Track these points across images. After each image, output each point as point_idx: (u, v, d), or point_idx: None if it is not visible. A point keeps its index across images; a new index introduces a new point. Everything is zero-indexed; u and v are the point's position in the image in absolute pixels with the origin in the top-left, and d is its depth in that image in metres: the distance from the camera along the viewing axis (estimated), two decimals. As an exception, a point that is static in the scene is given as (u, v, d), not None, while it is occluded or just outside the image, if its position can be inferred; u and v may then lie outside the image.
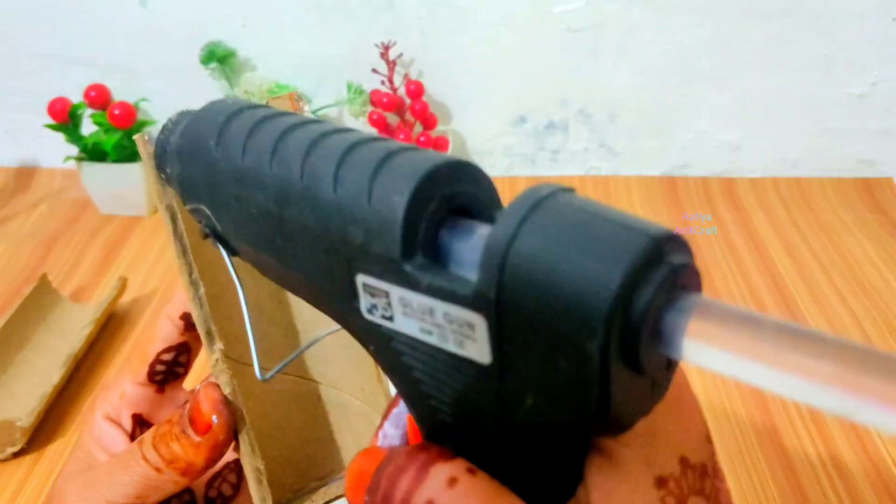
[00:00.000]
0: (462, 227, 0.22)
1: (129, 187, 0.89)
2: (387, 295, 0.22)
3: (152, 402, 0.36)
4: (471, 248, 0.21)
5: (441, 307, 0.21)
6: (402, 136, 0.88)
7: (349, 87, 0.89)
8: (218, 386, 0.32)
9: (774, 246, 0.84)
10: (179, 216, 0.31)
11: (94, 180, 0.89)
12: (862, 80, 0.89)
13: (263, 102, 0.35)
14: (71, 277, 0.82)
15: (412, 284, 0.21)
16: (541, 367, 0.19)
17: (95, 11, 0.90)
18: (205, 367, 0.40)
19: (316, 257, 0.24)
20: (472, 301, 0.20)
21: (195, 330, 0.36)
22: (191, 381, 0.37)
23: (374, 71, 0.88)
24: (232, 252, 0.28)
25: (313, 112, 0.90)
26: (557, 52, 0.90)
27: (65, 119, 0.86)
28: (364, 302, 0.23)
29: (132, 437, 0.36)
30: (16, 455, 0.61)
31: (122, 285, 0.75)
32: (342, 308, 0.24)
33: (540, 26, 0.88)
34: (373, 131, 0.90)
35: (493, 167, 0.98)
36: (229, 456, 0.38)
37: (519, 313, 0.19)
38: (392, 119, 0.90)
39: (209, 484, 0.39)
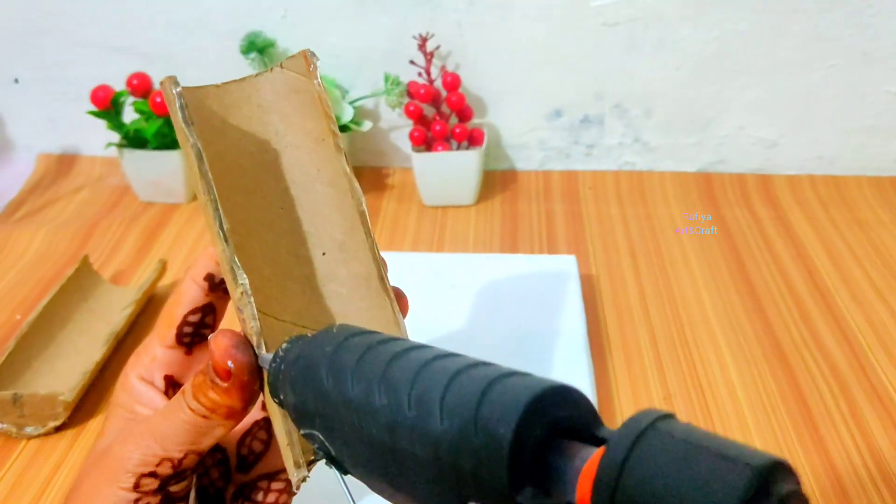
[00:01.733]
0: (567, 452, 0.22)
1: (168, 175, 0.90)
2: None
3: (182, 364, 0.37)
4: (578, 473, 0.22)
5: None
6: (437, 128, 0.88)
7: (386, 78, 0.89)
8: (227, 332, 0.33)
9: (812, 243, 0.83)
10: (204, 155, 0.33)
11: (134, 167, 0.90)
12: (902, 78, 0.89)
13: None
14: (110, 262, 0.83)
15: None
16: None
17: (138, 1, 0.91)
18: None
19: (427, 484, 0.24)
20: None
21: (219, 290, 0.37)
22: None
23: (412, 62, 0.89)
24: (344, 472, 0.29)
25: (351, 103, 0.91)
26: (594, 47, 0.90)
27: (107, 106, 0.87)
28: None
29: (167, 396, 0.36)
30: (58, 429, 0.62)
31: (162, 268, 0.76)
32: None
33: (577, 20, 0.88)
34: (409, 123, 0.91)
35: (528, 161, 0.98)
36: (258, 414, 0.39)
37: None
38: (428, 111, 0.90)
39: (240, 442, 0.40)
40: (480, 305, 0.70)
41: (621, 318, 0.73)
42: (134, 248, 0.85)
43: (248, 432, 0.40)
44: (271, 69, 0.37)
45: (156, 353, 0.37)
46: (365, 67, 0.92)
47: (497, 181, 0.97)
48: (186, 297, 0.37)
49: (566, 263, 0.75)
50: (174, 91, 0.33)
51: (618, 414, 0.63)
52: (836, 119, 0.92)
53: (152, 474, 0.33)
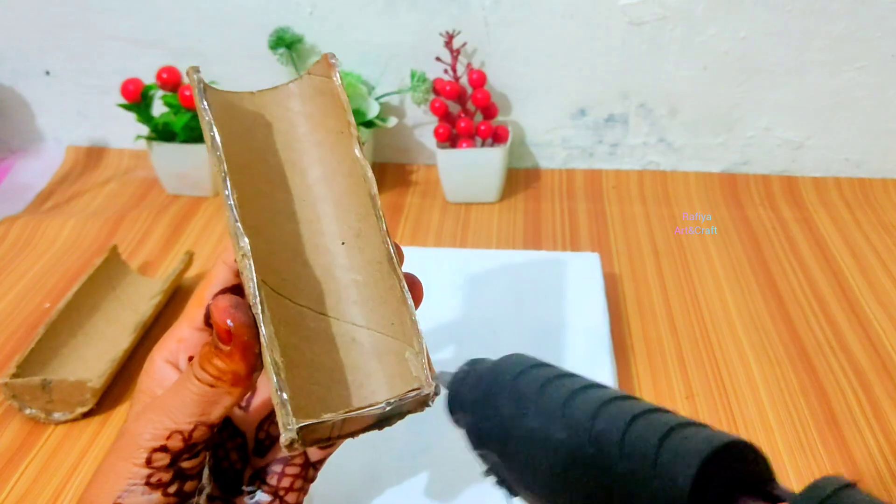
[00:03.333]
0: None
1: (195, 168, 0.91)
2: None
3: None
4: None
5: None
6: (462, 125, 0.88)
7: (413, 74, 0.90)
8: (227, 294, 0.34)
9: (837, 245, 0.83)
10: (217, 133, 0.35)
11: (162, 159, 0.91)
12: (931, 81, 0.88)
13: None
14: (138, 253, 0.84)
15: None
16: None
17: (169, -4, 0.92)
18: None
19: None
20: None
21: None
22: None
23: (438, 59, 0.89)
24: (513, 494, 0.30)
25: (377, 99, 0.92)
26: (620, 46, 0.90)
27: (137, 99, 0.88)
28: None
29: None
30: (85, 415, 0.63)
31: (189, 259, 0.77)
32: None
33: (603, 19, 0.88)
34: (434, 120, 0.91)
35: (551, 159, 0.98)
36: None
37: None
38: (453, 107, 0.91)
39: (259, 426, 0.41)
40: (503, 302, 0.71)
41: (644, 317, 0.73)
42: (161, 240, 0.86)
43: (267, 417, 0.41)
44: (300, 76, 0.40)
45: (183, 334, 0.37)
46: (391, 64, 0.93)
47: (521, 179, 0.97)
48: (217, 279, 0.37)
49: (590, 261, 0.75)
50: (195, 76, 0.37)
51: (639, 411, 0.63)
52: (864, 121, 0.91)
53: (163, 448, 0.34)
